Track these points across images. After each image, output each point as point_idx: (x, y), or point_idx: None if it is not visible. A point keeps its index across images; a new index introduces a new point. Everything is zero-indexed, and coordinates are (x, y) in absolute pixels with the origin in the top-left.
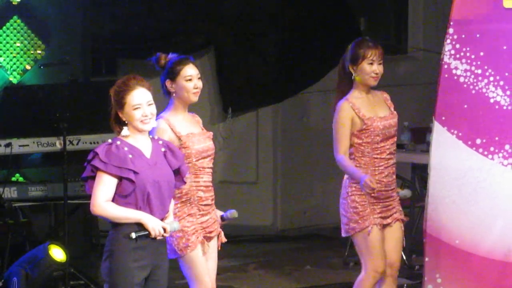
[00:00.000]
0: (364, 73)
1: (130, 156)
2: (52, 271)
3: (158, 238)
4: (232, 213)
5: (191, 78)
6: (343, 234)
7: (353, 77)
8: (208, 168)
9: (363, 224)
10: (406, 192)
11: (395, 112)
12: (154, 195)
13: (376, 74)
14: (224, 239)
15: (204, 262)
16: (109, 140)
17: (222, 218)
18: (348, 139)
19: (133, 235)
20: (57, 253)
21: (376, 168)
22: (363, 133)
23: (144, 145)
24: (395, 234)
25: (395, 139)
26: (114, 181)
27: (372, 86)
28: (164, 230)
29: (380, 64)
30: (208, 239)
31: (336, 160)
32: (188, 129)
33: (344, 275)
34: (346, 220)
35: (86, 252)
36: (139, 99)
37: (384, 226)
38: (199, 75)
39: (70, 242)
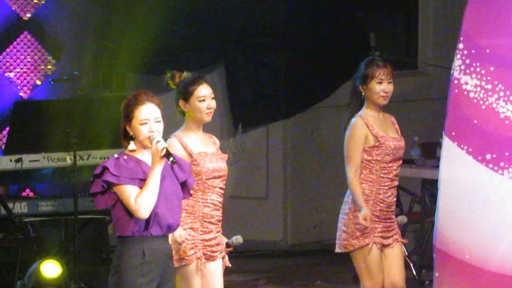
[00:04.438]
0: (373, 92)
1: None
2: (42, 286)
3: None
4: (237, 238)
5: (204, 98)
6: (339, 250)
7: (363, 97)
8: (218, 188)
9: (363, 241)
10: (403, 218)
11: (402, 136)
12: (162, 208)
13: (386, 93)
14: (228, 264)
15: (197, 280)
16: (115, 155)
17: (227, 244)
18: (360, 156)
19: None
20: (50, 269)
21: (381, 187)
22: (374, 150)
23: (148, 158)
24: (397, 255)
25: (401, 162)
26: (134, 187)
27: (382, 105)
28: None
29: (390, 83)
30: (211, 258)
31: (347, 178)
32: (200, 148)
33: None
34: (345, 235)
35: (96, 267)
36: (147, 114)
37: (385, 246)
38: (212, 95)
39: (80, 257)
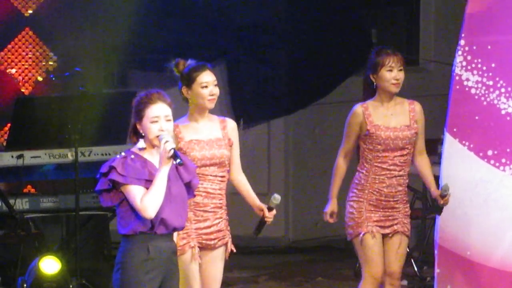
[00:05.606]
0: (384, 80)
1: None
2: (41, 283)
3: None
4: (275, 197)
5: (207, 85)
6: (348, 238)
7: (374, 86)
8: (212, 176)
9: (357, 230)
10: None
11: (415, 125)
12: (168, 209)
13: (397, 80)
14: (231, 249)
15: (192, 268)
16: (123, 153)
17: (269, 208)
18: (352, 142)
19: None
20: (49, 265)
21: (377, 177)
22: (367, 139)
23: (157, 158)
24: (394, 246)
25: (404, 151)
26: (140, 187)
27: (394, 92)
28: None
29: (400, 70)
30: (208, 246)
31: (335, 161)
32: (194, 136)
33: (355, 286)
34: (345, 225)
35: (98, 263)
36: (158, 112)
37: (384, 236)
38: (215, 82)
39: (81, 254)
